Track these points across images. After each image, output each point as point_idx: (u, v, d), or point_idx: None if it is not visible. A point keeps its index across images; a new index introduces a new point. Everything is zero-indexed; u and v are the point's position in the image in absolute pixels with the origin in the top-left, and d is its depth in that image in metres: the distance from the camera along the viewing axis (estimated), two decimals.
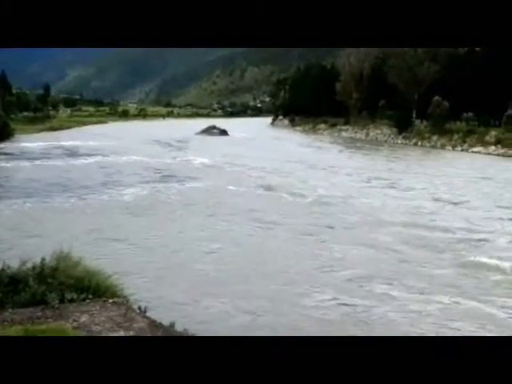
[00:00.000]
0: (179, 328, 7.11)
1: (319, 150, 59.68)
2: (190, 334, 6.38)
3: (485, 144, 56.47)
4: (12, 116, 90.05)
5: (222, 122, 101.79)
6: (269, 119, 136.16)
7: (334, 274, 14.70)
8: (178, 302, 12.20)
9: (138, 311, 6.71)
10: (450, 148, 60.02)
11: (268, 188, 29.48)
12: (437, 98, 66.01)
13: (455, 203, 26.46)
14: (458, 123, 66.24)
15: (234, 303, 12.39)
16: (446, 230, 19.78)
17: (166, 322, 6.76)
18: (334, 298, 12.86)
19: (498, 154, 53.17)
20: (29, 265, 7.76)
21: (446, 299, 12.82)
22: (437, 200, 27.20)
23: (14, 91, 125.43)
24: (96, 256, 11.89)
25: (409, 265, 15.56)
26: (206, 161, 43.38)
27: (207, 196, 26.94)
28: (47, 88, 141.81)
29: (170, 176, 34.55)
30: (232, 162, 42.39)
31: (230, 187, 29.59)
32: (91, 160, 43.77)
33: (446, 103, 65.27)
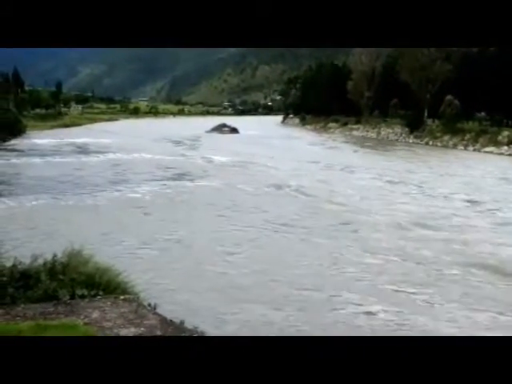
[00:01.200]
0: (189, 326, 7.10)
1: (335, 149, 58.60)
2: (196, 334, 6.36)
3: (497, 144, 56.07)
4: (24, 113, 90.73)
5: (232, 120, 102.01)
6: (279, 118, 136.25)
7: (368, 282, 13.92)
8: (211, 308, 11.64)
9: (148, 308, 6.71)
10: (462, 148, 59.64)
11: (299, 192, 27.66)
12: (449, 97, 65.67)
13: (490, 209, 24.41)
14: (471, 123, 65.88)
15: (269, 310, 11.70)
16: None
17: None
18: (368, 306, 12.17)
19: (510, 154, 52.79)
20: (40, 261, 7.80)
21: None
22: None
23: (26, 88, 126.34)
24: (109, 255, 11.85)
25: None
26: (223, 159, 43.00)
27: (229, 196, 25.98)
28: (59, 85, 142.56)
29: (183, 174, 34.39)
30: (249, 161, 41.63)
31: (248, 188, 28.54)
32: (102, 157, 43.97)
33: (457, 102, 64.92)
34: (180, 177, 33.34)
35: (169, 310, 7.56)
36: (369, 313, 11.74)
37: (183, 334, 6.00)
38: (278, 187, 29.11)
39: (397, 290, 13.17)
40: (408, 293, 13.02)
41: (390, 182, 32.72)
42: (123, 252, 15.47)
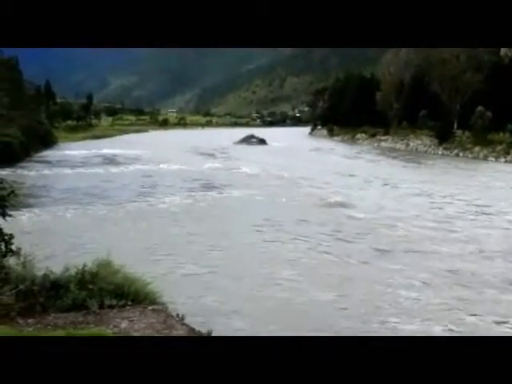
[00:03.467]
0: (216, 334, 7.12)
1: (372, 162, 56.31)
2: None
3: None
4: (56, 124, 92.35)
5: (260, 132, 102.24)
6: (307, 129, 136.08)
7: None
8: None
9: (177, 319, 6.76)
10: (493, 159, 58.78)
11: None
12: (480, 108, 64.84)
13: None
14: (501, 134, 64.89)
15: None
16: None
17: None
18: None
19: None
20: (71, 271, 7.92)
21: None
22: None
23: (57, 100, 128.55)
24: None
25: None
26: (257, 171, 42.03)
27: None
28: (90, 97, 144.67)
29: (228, 185, 33.96)
30: (290, 177, 39.04)
31: (293, 202, 27.32)
32: (133, 168, 44.47)
33: (489, 114, 64.06)
34: (226, 190, 32.76)
35: None
36: None
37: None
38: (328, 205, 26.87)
39: None
40: None
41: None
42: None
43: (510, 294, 13.84)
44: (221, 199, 28.87)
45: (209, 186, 33.48)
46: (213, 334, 6.64)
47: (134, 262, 10.36)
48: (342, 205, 26.57)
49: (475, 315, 12.32)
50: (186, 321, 6.98)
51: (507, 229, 21.80)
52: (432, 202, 28.67)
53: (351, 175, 41.46)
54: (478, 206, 27.48)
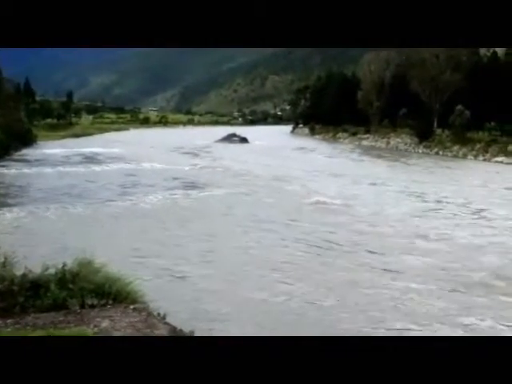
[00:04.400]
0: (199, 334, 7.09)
1: (361, 162, 55.58)
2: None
3: (508, 154, 55.84)
4: (35, 123, 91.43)
5: (242, 130, 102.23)
6: (289, 127, 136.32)
7: None
8: None
9: (158, 318, 6.72)
10: (472, 157, 59.48)
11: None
12: (459, 107, 65.49)
13: None
14: (480, 133, 65.60)
15: None
16: None
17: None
18: None
19: None
20: (51, 270, 7.83)
21: None
22: None
23: (37, 98, 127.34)
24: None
25: None
26: (239, 168, 42.43)
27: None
28: (70, 95, 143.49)
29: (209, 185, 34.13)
30: (275, 177, 37.89)
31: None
32: (114, 167, 44.20)
33: (467, 112, 64.73)
34: (207, 189, 33.26)
35: None
36: None
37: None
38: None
39: None
40: None
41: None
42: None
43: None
44: (203, 198, 28.81)
45: (190, 185, 33.36)
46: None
47: (116, 262, 10.30)
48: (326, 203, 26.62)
49: None
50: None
51: None
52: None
53: (343, 176, 40.72)
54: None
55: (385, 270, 15.63)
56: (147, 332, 5.93)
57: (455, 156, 62.01)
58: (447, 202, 28.42)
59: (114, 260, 9.10)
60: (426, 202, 28.87)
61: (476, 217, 24.72)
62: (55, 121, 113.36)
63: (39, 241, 17.73)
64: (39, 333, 5.77)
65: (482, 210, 26.36)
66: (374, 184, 35.97)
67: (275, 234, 20.15)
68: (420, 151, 68.97)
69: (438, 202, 28.70)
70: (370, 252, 17.56)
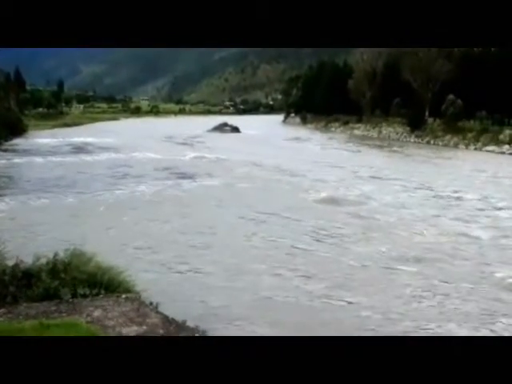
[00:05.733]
0: (191, 325, 7.11)
1: (358, 153, 53.88)
2: (197, 334, 6.37)
3: (498, 143, 56.02)
4: (26, 112, 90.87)
5: (233, 119, 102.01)
6: (280, 117, 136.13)
7: None
8: None
9: (150, 307, 6.74)
10: (464, 147, 59.64)
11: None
12: (451, 96, 65.57)
13: None
14: (472, 122, 65.78)
15: None
16: None
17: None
18: None
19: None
20: (42, 260, 7.82)
21: None
22: None
23: (27, 88, 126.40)
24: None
25: None
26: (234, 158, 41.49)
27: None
28: (60, 84, 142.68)
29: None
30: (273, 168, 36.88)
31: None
32: (104, 156, 44.01)
33: (459, 102, 64.83)
34: (199, 179, 33.11)
35: None
36: None
37: (184, 334, 6.02)
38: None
39: None
40: None
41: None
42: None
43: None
44: (196, 188, 28.75)
45: (183, 176, 33.25)
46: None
47: (108, 252, 10.30)
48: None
49: None
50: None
51: None
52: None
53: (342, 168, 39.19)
54: None
55: None
56: (139, 321, 5.96)
57: (446, 145, 62.15)
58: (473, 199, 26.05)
59: (104, 251, 9.12)
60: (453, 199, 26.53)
61: None
62: (46, 110, 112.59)
63: (30, 231, 17.68)
64: (31, 323, 5.78)
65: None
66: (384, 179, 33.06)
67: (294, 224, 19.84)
68: (412, 140, 69.11)
69: (458, 198, 26.40)
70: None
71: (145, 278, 10.63)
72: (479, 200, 25.98)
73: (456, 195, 27.30)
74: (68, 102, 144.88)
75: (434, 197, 26.86)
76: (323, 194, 26.07)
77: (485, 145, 57.38)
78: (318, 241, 17.62)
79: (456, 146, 60.88)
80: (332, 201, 24.66)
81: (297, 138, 71.34)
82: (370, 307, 11.86)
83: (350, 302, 12.26)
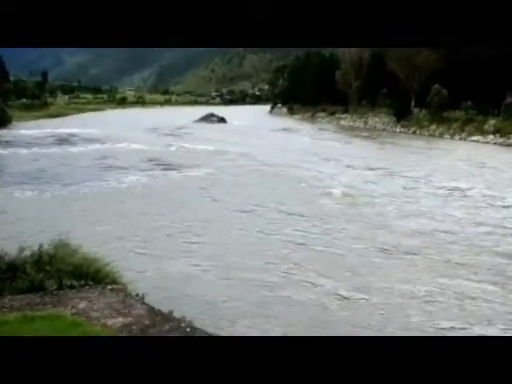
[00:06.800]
0: (177, 315, 7.09)
1: (349, 144, 52.95)
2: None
3: (483, 133, 56.35)
4: (9, 103, 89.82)
5: (220, 110, 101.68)
6: (267, 107, 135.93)
7: None
8: None
9: (136, 298, 6.71)
10: (449, 137, 59.93)
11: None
12: (436, 86, 65.82)
13: None
14: (457, 112, 66.11)
15: None
16: None
17: None
18: None
19: (496, 143, 53.09)
20: (27, 252, 7.76)
21: None
22: None
23: (11, 78, 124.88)
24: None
25: None
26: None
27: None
28: (45, 75, 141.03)
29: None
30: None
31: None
32: (90, 148, 43.70)
33: (445, 91, 65.09)
34: (185, 170, 33.01)
35: None
36: None
37: (169, 324, 6.01)
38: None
39: None
40: None
41: None
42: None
43: None
44: (181, 179, 28.69)
45: (168, 166, 33.11)
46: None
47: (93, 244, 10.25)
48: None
49: None
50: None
51: None
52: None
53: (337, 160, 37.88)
54: None
55: None
56: (125, 312, 5.93)
57: (432, 135, 62.37)
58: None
59: (89, 243, 9.08)
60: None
61: None
62: (30, 101, 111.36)
63: (14, 222, 17.56)
64: (15, 315, 5.73)
65: None
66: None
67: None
68: (398, 130, 69.34)
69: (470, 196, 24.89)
70: None
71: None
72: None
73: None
74: (52, 92, 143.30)
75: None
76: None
77: (470, 135, 57.69)
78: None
79: (441, 136, 61.10)
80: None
81: (287, 130, 70.34)
82: None
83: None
